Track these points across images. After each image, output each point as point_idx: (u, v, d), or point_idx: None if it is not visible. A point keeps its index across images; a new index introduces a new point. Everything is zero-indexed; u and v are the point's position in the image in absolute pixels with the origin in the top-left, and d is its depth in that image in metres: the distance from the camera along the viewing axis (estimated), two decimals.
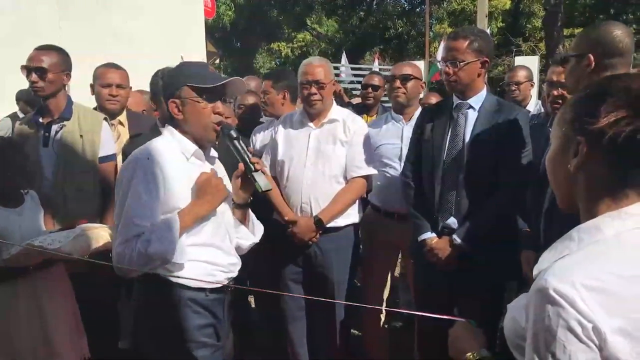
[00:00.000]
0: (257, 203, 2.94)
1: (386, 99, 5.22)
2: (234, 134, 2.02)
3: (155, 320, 1.98)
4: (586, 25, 2.49)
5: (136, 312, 2.06)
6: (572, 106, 1.04)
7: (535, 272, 1.01)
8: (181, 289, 1.94)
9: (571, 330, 0.87)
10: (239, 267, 2.14)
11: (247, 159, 2.02)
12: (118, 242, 1.86)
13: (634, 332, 0.87)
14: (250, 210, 2.24)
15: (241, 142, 2.04)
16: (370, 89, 4.45)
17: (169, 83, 2.04)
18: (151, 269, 1.87)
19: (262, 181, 2.03)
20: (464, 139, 2.56)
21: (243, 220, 2.22)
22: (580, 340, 0.87)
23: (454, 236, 2.54)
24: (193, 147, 2.00)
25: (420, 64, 9.97)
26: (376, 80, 4.46)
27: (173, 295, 1.94)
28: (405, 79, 3.29)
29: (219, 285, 2.00)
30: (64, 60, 2.87)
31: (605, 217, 0.98)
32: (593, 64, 1.96)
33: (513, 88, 4.30)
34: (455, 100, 2.64)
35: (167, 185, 1.91)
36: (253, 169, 2.02)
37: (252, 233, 2.24)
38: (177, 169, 1.94)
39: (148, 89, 3.28)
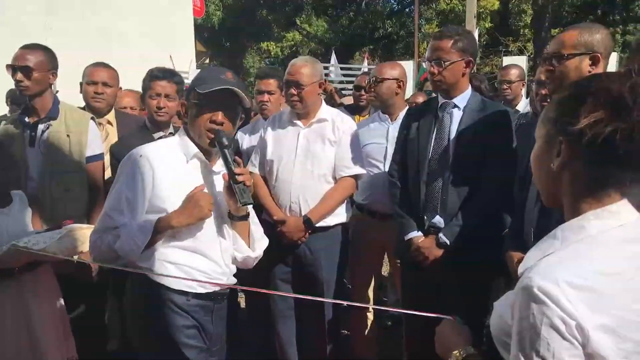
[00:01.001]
0: None
1: None
2: (225, 142, 1.95)
3: (140, 319, 1.99)
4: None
5: (125, 310, 2.08)
6: (555, 105, 1.06)
7: (520, 270, 1.02)
8: (164, 290, 1.94)
9: (555, 328, 0.89)
10: (228, 276, 2.11)
11: (232, 168, 1.94)
12: (93, 230, 1.93)
13: (617, 329, 0.89)
14: (251, 224, 2.16)
15: (230, 150, 1.98)
16: (362, 91, 4.44)
17: (190, 84, 2.06)
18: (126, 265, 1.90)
19: (243, 194, 1.93)
20: (449, 138, 2.58)
21: (241, 232, 2.12)
22: (564, 338, 0.88)
23: (440, 235, 2.55)
24: (194, 149, 1.99)
25: (410, 64, 10.00)
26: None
27: (156, 295, 1.94)
28: (375, 81, 3.30)
29: (203, 292, 2.00)
30: (50, 59, 2.84)
31: (589, 215, 1.00)
32: (601, 62, 2.01)
33: (505, 87, 4.30)
34: (441, 100, 2.65)
35: (156, 185, 1.91)
36: (235, 180, 1.93)
37: (252, 247, 2.17)
38: (172, 170, 1.92)
39: (138, 89, 3.27)
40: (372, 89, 3.33)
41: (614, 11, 20.46)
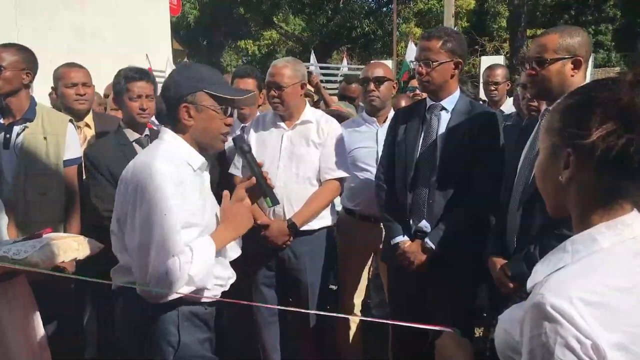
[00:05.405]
0: None
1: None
2: (246, 147, 2.03)
3: (159, 335, 1.87)
4: (548, 26, 2.50)
5: (136, 327, 1.92)
6: (559, 115, 1.02)
7: (529, 284, 0.98)
8: (183, 304, 1.86)
9: (569, 347, 0.85)
10: (232, 281, 2.06)
11: (261, 172, 2.00)
12: (160, 259, 1.74)
13: (630, 345, 0.86)
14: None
15: (252, 155, 2.04)
16: (347, 101, 4.34)
17: (179, 85, 1.87)
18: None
19: (272, 196, 2.01)
20: (436, 141, 2.55)
21: None
22: (579, 358, 0.85)
23: (426, 240, 2.52)
24: (201, 159, 1.92)
25: (388, 64, 10.00)
26: (353, 90, 4.27)
27: (175, 309, 1.86)
28: (378, 81, 3.20)
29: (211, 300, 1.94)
30: (25, 59, 2.75)
31: (600, 227, 0.96)
32: (583, 66, 2.02)
33: (492, 88, 4.29)
34: (428, 102, 2.63)
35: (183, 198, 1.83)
36: (266, 183, 1.99)
37: (239, 245, 2.16)
38: (190, 182, 1.84)
39: (111, 88, 3.19)
40: (376, 89, 3.20)
41: (587, 12, 20.83)
